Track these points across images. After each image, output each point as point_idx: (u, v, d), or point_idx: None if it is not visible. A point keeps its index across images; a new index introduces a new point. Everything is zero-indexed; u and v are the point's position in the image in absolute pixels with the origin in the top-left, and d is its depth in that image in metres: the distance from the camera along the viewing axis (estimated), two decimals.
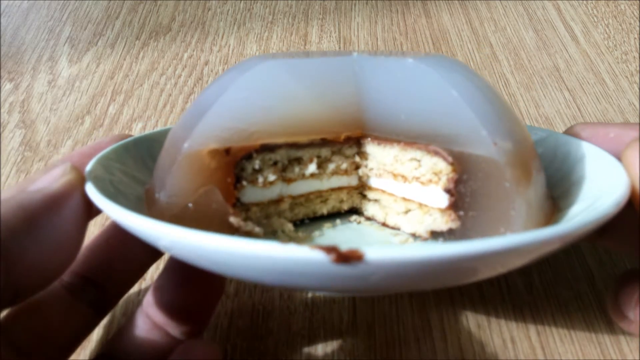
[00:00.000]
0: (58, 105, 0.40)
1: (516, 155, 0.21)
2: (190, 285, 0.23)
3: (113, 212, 0.18)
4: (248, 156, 0.23)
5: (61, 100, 0.40)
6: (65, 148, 0.37)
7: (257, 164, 0.23)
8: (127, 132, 0.38)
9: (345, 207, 0.27)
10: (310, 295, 0.28)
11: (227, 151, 0.22)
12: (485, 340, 0.26)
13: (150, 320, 0.23)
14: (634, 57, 0.44)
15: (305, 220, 0.27)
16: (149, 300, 0.23)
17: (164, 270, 0.24)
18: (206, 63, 0.44)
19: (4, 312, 0.21)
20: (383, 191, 0.27)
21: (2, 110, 0.39)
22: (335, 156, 0.26)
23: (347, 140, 0.25)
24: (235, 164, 0.22)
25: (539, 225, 0.22)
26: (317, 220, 0.27)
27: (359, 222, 0.28)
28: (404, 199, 0.26)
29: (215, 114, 0.22)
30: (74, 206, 0.19)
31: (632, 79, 0.42)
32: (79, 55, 0.44)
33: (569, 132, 0.27)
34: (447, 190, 0.23)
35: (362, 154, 0.26)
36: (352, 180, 0.27)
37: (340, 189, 0.27)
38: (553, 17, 0.48)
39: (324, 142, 0.25)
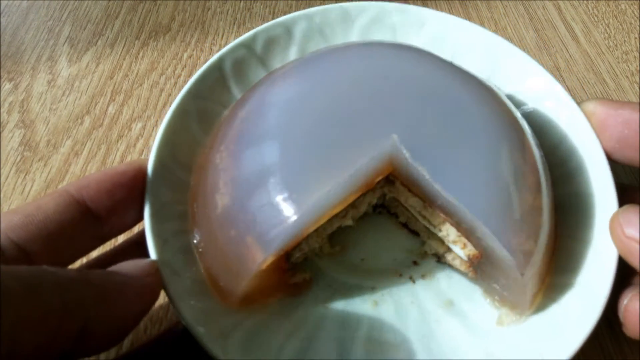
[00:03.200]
0: (57, 105, 0.40)
1: (531, 254, 0.23)
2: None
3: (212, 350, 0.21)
4: (298, 248, 0.25)
5: (60, 100, 0.40)
6: (65, 148, 0.37)
7: (304, 246, 0.25)
8: (126, 132, 0.38)
9: (370, 210, 0.28)
10: None
11: (287, 252, 0.23)
12: None
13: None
14: (635, 56, 0.44)
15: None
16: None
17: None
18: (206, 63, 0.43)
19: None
20: (407, 209, 0.27)
21: (1, 110, 0.39)
22: (363, 197, 0.26)
23: (379, 180, 0.25)
24: (289, 255, 0.25)
25: (539, 287, 0.25)
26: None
27: (380, 212, 0.29)
28: (426, 227, 0.27)
29: (280, 238, 0.22)
30: (147, 302, 0.21)
31: (632, 78, 0.42)
32: (79, 55, 0.44)
33: (583, 108, 0.27)
34: (468, 257, 0.25)
35: (390, 188, 0.27)
36: (376, 195, 0.27)
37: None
38: (553, 17, 0.48)
39: (361, 196, 0.25)
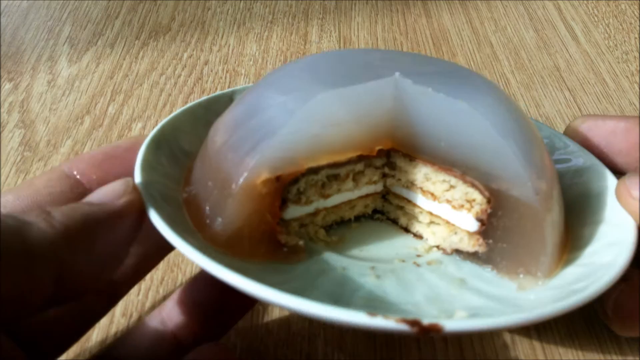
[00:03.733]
0: (57, 105, 0.40)
1: (551, 198, 0.22)
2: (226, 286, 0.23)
3: (187, 252, 0.19)
4: (295, 180, 0.24)
5: (60, 100, 0.40)
6: (65, 148, 0.37)
7: (302, 186, 0.24)
8: (126, 132, 0.38)
9: (369, 210, 0.28)
10: None
11: (278, 178, 0.22)
12: (486, 341, 0.26)
13: (163, 326, 0.23)
14: (635, 56, 0.44)
15: (333, 225, 0.28)
16: (170, 304, 0.23)
17: (201, 272, 0.24)
18: (206, 63, 0.44)
19: None
20: (409, 201, 0.27)
21: (1, 110, 0.39)
22: (367, 169, 0.26)
23: (379, 152, 0.25)
24: (283, 189, 0.23)
25: (558, 258, 0.23)
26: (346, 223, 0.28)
27: (382, 220, 0.29)
28: (431, 213, 0.26)
29: (272, 147, 0.22)
30: (129, 225, 0.20)
31: (632, 78, 0.42)
32: (79, 55, 0.44)
33: (570, 128, 0.28)
34: (479, 219, 0.24)
35: (391, 165, 0.27)
36: (378, 188, 0.27)
37: (367, 195, 0.27)
38: (553, 17, 0.48)
39: (359, 158, 0.25)
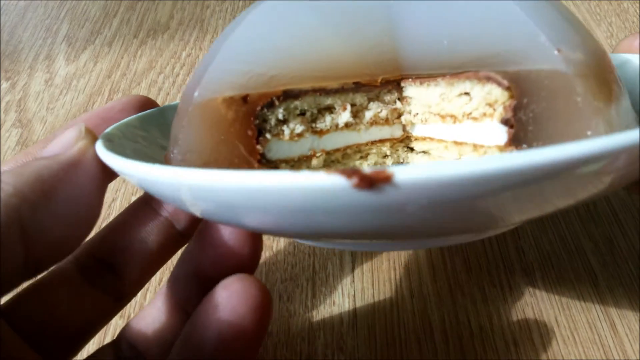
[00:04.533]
0: (55, 104, 0.39)
1: (588, 66, 0.17)
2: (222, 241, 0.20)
3: (119, 164, 0.16)
4: (269, 104, 0.20)
5: (58, 99, 0.40)
6: None
7: (280, 113, 0.21)
8: None
9: (390, 163, 0.24)
10: (310, 296, 0.28)
11: (245, 99, 0.19)
12: (488, 342, 0.26)
13: (170, 300, 0.22)
14: None
15: None
16: (174, 273, 0.22)
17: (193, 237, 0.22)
18: None
19: (7, 297, 0.20)
20: (431, 139, 0.23)
21: None
22: (372, 103, 0.23)
23: (385, 84, 0.22)
24: (256, 114, 0.20)
25: None
26: None
27: None
28: (456, 142, 0.23)
29: (224, 56, 0.19)
30: (91, 173, 0.18)
31: None
32: (76, 53, 0.44)
33: (620, 47, 0.25)
34: (505, 122, 0.20)
35: (404, 99, 0.23)
36: (395, 131, 0.24)
37: (382, 141, 0.24)
38: None
39: (357, 87, 0.21)
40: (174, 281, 0.22)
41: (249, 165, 0.20)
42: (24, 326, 0.19)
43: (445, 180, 0.12)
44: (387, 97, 0.23)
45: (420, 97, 0.22)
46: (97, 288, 0.21)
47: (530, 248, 0.29)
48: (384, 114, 0.23)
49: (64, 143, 0.18)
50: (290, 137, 0.21)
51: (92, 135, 0.19)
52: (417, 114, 0.23)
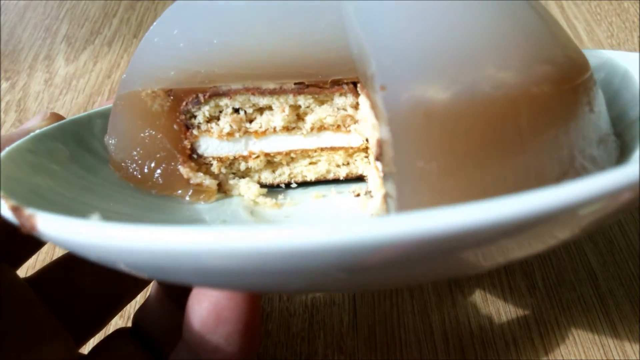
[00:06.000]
0: (55, 104, 0.39)
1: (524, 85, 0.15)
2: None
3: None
4: (195, 101, 0.20)
5: (58, 99, 0.40)
6: None
7: (207, 110, 0.20)
8: None
9: (343, 173, 0.22)
10: (310, 297, 0.28)
11: (170, 94, 0.19)
12: (488, 342, 0.26)
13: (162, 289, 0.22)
14: None
15: (292, 184, 0.23)
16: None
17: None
18: None
19: (36, 268, 0.20)
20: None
21: None
22: (320, 107, 0.21)
23: (337, 86, 0.20)
24: (181, 110, 0.20)
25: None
26: (312, 186, 0.23)
27: (357, 195, 0.22)
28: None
29: (150, 52, 0.19)
30: None
31: None
32: (76, 53, 0.44)
33: None
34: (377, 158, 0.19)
35: (359, 105, 0.21)
36: (352, 140, 0.22)
37: (333, 149, 0.22)
38: (556, 15, 0.47)
39: (301, 88, 0.20)
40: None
41: (175, 160, 0.20)
42: (52, 296, 0.19)
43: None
44: (339, 101, 0.21)
45: (365, 103, 0.20)
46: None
47: None
48: (329, 120, 0.21)
49: None
50: (219, 135, 0.21)
51: None
52: (367, 120, 0.20)
